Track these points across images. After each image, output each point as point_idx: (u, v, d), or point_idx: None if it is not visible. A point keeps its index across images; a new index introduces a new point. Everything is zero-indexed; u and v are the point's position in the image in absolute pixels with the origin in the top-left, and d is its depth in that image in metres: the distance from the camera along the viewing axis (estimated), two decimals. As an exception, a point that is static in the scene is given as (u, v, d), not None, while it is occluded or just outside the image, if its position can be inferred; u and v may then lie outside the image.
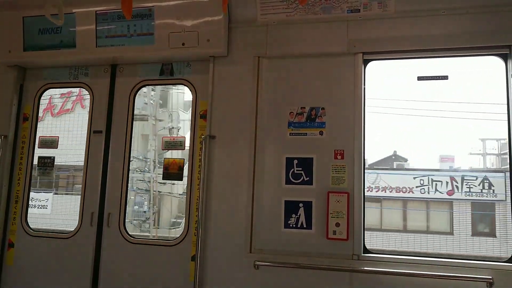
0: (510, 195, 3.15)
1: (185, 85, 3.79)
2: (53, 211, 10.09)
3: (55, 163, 4.13)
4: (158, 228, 11.23)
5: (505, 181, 10.27)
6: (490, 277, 2.93)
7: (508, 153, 3.18)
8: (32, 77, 4.14)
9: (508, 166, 3.20)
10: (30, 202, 4.03)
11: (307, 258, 3.25)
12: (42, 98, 4.17)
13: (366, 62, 3.41)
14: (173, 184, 11.32)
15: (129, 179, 3.87)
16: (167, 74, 3.82)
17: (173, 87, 11.27)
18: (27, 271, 3.87)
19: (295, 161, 3.40)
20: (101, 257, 3.72)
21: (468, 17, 3.22)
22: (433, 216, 12.85)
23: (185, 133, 11.07)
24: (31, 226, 3.98)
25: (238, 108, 3.54)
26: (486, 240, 12.10)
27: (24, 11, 3.88)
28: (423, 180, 12.65)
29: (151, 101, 11.58)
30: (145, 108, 11.36)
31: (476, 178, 12.14)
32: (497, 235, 11.90)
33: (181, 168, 3.75)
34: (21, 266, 3.89)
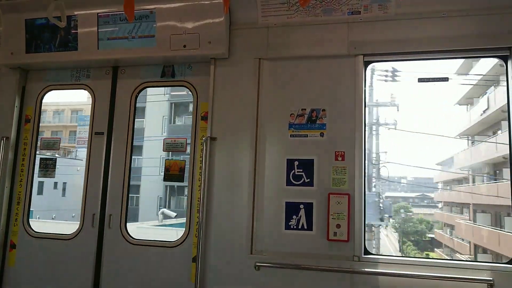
0: (510, 195, 3.16)
1: (186, 87, 3.80)
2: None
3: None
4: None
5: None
6: (491, 278, 2.93)
7: (508, 154, 3.19)
8: (34, 79, 4.16)
9: (509, 166, 3.21)
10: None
11: (308, 260, 3.25)
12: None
13: (366, 64, 3.42)
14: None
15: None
16: (169, 75, 3.84)
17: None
18: (29, 272, 3.88)
19: (296, 163, 3.41)
20: (102, 258, 3.73)
21: (468, 19, 3.22)
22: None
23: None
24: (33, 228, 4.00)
25: (239, 109, 3.55)
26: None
27: (27, 13, 3.90)
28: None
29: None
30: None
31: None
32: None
33: (182, 170, 3.75)
34: (22, 268, 3.90)
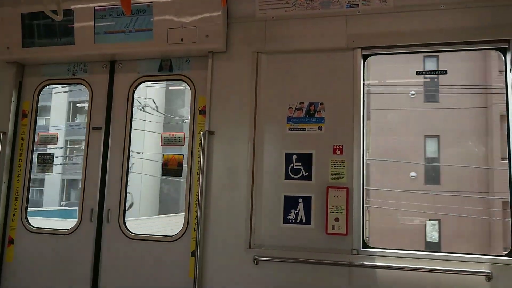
0: (509, 195, 3.14)
1: (184, 81, 3.79)
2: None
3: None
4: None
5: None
6: (489, 271, 2.94)
7: (507, 151, 3.18)
8: (31, 73, 4.14)
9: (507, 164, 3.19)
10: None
11: (306, 253, 3.25)
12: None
13: (365, 57, 3.40)
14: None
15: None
16: (166, 70, 3.82)
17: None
18: (27, 267, 3.87)
19: (294, 157, 3.40)
20: (101, 253, 3.72)
21: (467, 12, 3.21)
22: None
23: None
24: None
25: (237, 103, 3.54)
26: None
27: (22, 7, 3.87)
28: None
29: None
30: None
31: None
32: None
33: (180, 164, 3.75)
34: (21, 263, 3.90)
